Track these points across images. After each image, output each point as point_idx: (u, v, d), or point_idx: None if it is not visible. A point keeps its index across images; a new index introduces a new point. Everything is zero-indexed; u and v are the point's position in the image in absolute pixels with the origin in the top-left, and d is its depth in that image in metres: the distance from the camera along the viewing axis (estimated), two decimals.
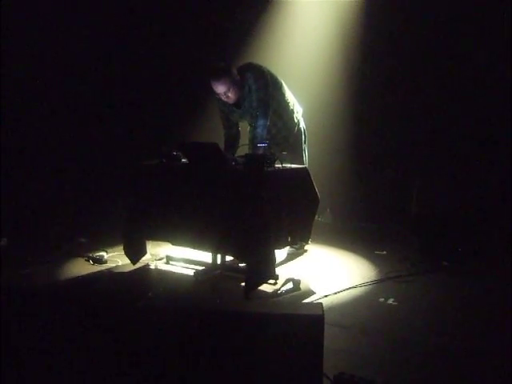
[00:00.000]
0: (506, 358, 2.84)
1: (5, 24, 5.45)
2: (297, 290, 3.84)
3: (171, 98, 6.54)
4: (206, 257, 4.34)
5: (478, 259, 4.65)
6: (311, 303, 3.31)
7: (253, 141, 4.35)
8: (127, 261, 4.34)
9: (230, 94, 4.32)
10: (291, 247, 4.69)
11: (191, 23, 6.53)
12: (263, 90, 4.37)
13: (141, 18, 6.44)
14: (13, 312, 3.16)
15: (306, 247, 4.89)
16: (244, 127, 4.67)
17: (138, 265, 4.35)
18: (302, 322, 2.24)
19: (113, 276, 4.23)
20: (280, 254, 4.36)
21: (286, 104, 4.64)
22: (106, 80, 6.37)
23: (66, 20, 5.99)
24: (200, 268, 4.26)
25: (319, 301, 3.51)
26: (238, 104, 4.46)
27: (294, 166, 4.25)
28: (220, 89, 4.29)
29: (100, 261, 4.45)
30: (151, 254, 4.49)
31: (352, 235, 5.71)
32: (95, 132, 6.32)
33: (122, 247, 4.33)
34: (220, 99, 4.45)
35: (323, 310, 2.30)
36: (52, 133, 6.08)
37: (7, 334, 2.86)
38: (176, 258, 4.48)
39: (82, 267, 4.38)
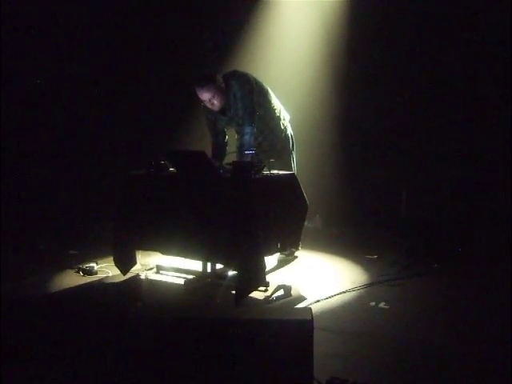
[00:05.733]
0: (499, 359, 2.85)
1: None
2: (288, 297, 3.84)
3: (158, 107, 6.53)
4: (196, 265, 4.33)
5: (469, 261, 4.66)
6: (300, 308, 3.30)
7: (240, 148, 4.35)
8: (117, 271, 4.32)
9: (215, 101, 4.33)
10: (281, 254, 4.68)
11: (177, 30, 6.52)
12: (248, 98, 4.38)
13: (127, 23, 6.42)
14: (4, 324, 3.15)
15: (296, 253, 4.88)
16: (232, 135, 4.67)
17: (129, 275, 4.33)
18: (290, 328, 2.24)
19: (103, 287, 4.21)
20: (270, 260, 4.35)
21: (273, 111, 4.65)
22: (94, 90, 6.35)
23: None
24: (190, 277, 4.25)
25: (310, 306, 3.51)
26: (223, 111, 4.47)
27: (282, 172, 4.25)
28: (205, 96, 4.30)
29: (90, 272, 4.43)
30: (141, 264, 4.48)
31: (342, 240, 5.70)
32: (83, 142, 6.30)
33: (112, 258, 4.32)
34: (206, 107, 4.46)
35: (312, 315, 2.30)
36: (39, 144, 6.06)
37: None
38: (166, 268, 4.47)
39: (72, 279, 4.35)
